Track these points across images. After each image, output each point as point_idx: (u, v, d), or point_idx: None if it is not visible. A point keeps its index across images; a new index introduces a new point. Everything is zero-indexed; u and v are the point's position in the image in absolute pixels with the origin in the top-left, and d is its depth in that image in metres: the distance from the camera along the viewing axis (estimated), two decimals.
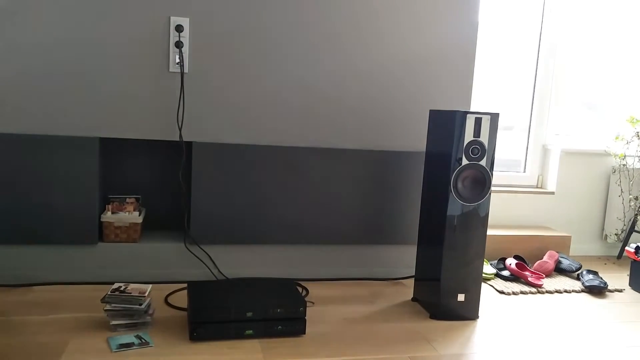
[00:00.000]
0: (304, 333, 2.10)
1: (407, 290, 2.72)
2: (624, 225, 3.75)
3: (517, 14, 3.61)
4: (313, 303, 2.46)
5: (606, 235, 3.76)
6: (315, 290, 2.63)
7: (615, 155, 3.71)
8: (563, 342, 2.22)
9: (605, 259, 3.70)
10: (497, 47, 3.61)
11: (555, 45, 3.61)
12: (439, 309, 2.35)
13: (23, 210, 2.43)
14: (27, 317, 2.11)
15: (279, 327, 2.06)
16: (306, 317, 2.14)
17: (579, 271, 3.17)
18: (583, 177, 3.74)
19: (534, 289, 2.86)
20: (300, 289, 2.62)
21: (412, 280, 2.87)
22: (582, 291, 2.91)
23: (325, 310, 2.39)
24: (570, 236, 3.48)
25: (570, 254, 3.73)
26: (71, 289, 2.45)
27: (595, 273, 3.06)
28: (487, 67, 3.61)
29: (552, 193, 3.68)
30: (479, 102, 3.61)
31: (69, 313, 2.18)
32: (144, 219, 2.77)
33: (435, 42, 2.75)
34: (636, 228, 3.70)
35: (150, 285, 2.15)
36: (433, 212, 2.41)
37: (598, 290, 2.89)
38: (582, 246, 3.80)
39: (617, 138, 3.69)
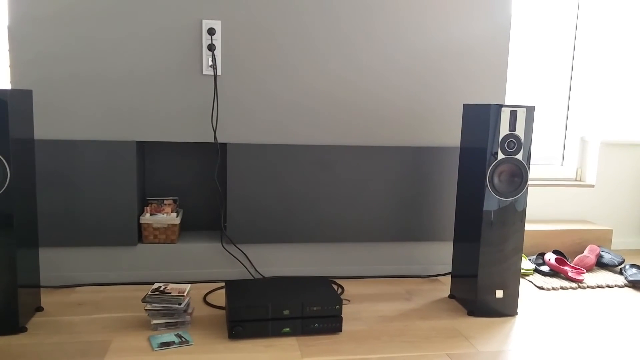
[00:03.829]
0: (341, 331, 2.11)
1: (444, 287, 2.70)
2: None
3: (552, 2, 3.53)
4: (349, 301, 2.46)
5: None
6: (350, 288, 2.63)
7: None
8: (605, 338, 2.17)
9: None
10: (532, 38, 3.54)
11: (592, 34, 3.52)
12: (477, 305, 2.32)
13: (65, 213, 2.50)
14: (72, 317, 2.18)
15: (316, 324, 2.07)
16: (342, 315, 2.15)
17: (622, 265, 3.09)
18: (624, 169, 3.64)
19: (574, 285, 2.80)
20: (335, 287, 2.63)
21: (448, 277, 2.84)
22: (626, 286, 2.84)
23: (361, 307, 2.39)
24: (611, 229, 3.40)
25: (612, 248, 3.64)
26: (113, 289, 2.51)
27: (639, 267, 2.98)
28: (522, 58, 3.54)
29: (592, 186, 3.59)
30: (514, 95, 3.55)
31: (112, 313, 2.23)
32: (182, 220, 2.82)
33: (467, 35, 2.71)
34: None
35: (189, 285, 2.19)
36: (469, 207, 2.38)
37: None
38: (625, 240, 3.70)
39: None
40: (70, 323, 2.12)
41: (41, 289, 2.48)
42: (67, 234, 2.51)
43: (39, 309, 2.23)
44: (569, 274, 2.87)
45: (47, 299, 2.36)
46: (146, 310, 2.09)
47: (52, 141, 2.45)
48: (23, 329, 2.03)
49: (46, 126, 2.44)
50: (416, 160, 2.75)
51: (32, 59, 2.39)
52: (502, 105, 2.22)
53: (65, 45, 2.41)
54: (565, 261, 2.99)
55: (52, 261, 2.53)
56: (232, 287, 2.19)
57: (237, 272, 2.68)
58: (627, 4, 3.47)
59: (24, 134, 2.04)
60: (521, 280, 2.86)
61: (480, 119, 2.29)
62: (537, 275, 2.95)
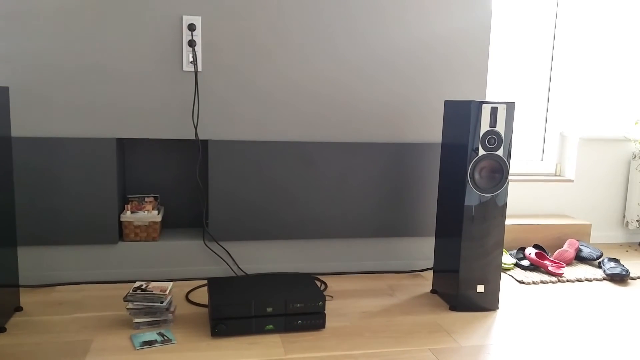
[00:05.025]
0: (324, 327, 2.11)
1: (426, 282, 2.72)
2: None
3: (531, 0, 3.56)
4: (332, 297, 2.47)
5: (627, 222, 3.72)
6: (334, 284, 2.64)
7: (635, 141, 3.65)
8: (585, 331, 2.20)
9: (627, 246, 3.66)
10: (512, 35, 3.57)
11: (571, 32, 3.56)
12: (459, 300, 2.34)
13: (44, 212, 2.46)
14: (52, 317, 2.15)
15: (299, 321, 2.07)
16: (325, 311, 2.15)
17: (600, 259, 3.14)
18: (602, 164, 3.69)
19: (554, 278, 2.84)
20: (319, 283, 2.63)
21: (431, 273, 2.86)
22: (604, 279, 2.88)
23: (344, 303, 2.40)
24: (590, 224, 3.45)
25: (590, 242, 3.69)
26: (93, 288, 2.49)
27: (616, 260, 3.03)
28: (503, 55, 3.57)
29: (571, 181, 3.64)
30: (494, 92, 3.58)
31: (93, 312, 2.21)
32: (163, 218, 2.80)
33: (448, 32, 2.73)
34: None
35: (171, 283, 2.18)
36: (450, 203, 2.40)
37: (620, 278, 2.86)
38: (603, 233, 3.76)
39: (636, 123, 3.64)
40: (51, 323, 2.10)
41: (20, 288, 2.44)
42: (46, 233, 2.48)
43: (18, 308, 2.20)
44: (549, 268, 2.91)
45: (26, 298, 2.33)
46: (128, 309, 2.07)
47: (31, 139, 2.41)
48: (2, 330, 2.00)
49: (25, 124, 2.40)
50: (398, 156, 2.76)
51: (8, 55, 2.35)
52: (482, 102, 2.23)
53: (43, 42, 2.37)
54: (545, 255, 3.03)
55: (32, 260, 2.50)
56: (215, 284, 2.18)
57: (219, 270, 2.67)
58: (604, 3, 3.51)
59: (0, 131, 2.00)
60: (502, 274, 2.89)
61: (461, 116, 2.30)
62: (517, 269, 2.98)
